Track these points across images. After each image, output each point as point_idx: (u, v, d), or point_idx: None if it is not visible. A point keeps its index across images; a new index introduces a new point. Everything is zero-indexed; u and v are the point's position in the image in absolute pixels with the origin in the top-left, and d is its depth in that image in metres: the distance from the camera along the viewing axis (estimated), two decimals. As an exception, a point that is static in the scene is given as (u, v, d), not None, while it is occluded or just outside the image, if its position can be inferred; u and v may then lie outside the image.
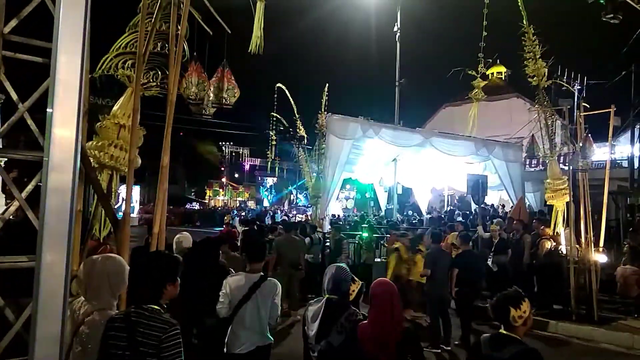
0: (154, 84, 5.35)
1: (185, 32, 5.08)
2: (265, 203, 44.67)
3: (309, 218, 19.14)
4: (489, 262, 11.16)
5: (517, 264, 10.83)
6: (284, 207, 38.46)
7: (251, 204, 46.00)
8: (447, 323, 8.26)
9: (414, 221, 19.86)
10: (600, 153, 17.82)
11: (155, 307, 2.79)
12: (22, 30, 3.15)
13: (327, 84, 16.95)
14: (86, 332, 2.88)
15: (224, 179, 54.43)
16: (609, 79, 20.05)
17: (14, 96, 3.31)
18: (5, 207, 3.51)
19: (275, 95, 22.69)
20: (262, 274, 4.49)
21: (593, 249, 9.99)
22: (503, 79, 35.54)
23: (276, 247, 9.79)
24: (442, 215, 19.73)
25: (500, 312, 3.12)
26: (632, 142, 19.12)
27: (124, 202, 4.62)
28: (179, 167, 51.17)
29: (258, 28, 5.63)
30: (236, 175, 57.80)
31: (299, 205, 36.79)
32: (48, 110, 2.33)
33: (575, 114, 11.54)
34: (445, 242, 10.63)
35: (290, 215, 27.34)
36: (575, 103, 13.29)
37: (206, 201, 50.25)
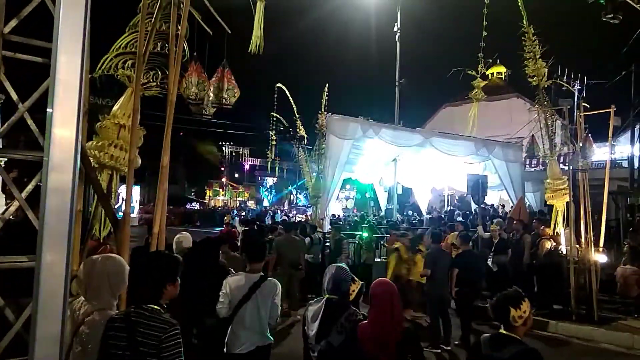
0: (154, 84, 5.35)
1: (185, 32, 5.08)
2: (265, 203, 44.67)
3: (309, 218, 19.14)
4: (489, 262, 11.16)
5: (517, 264, 10.83)
6: (284, 207, 38.46)
7: (251, 204, 46.01)
8: (447, 323, 8.26)
9: (414, 221, 19.85)
10: (600, 153, 17.82)
11: (156, 307, 2.79)
12: (22, 30, 3.15)
13: (327, 84, 16.97)
14: (86, 332, 2.88)
15: (224, 179, 54.43)
16: (609, 79, 20.07)
17: (14, 96, 3.31)
18: (5, 207, 3.50)
19: (275, 95, 22.69)
20: (262, 274, 4.49)
21: (593, 249, 9.99)
22: (503, 79, 35.54)
23: (276, 247, 9.79)
24: (442, 215, 19.74)
25: (500, 312, 3.12)
26: (632, 142, 19.13)
27: (124, 202, 4.62)
28: (179, 167, 51.16)
29: (258, 28, 5.63)
30: (236, 175, 57.80)
31: (299, 205, 36.80)
32: (48, 110, 2.33)
33: (575, 114, 11.54)
34: (446, 242, 10.63)
35: (290, 215, 27.33)
36: (575, 103, 13.29)
37: (206, 201, 50.24)
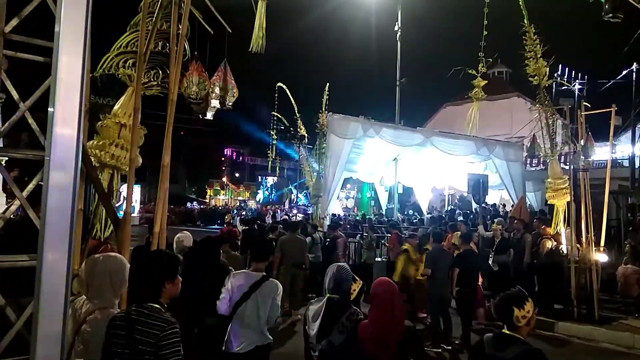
0: (155, 83, 5.35)
1: (186, 31, 5.08)
2: (258, 197, 44.58)
3: (310, 217, 19.15)
4: (490, 262, 11.16)
5: (517, 263, 10.83)
6: (284, 206, 38.46)
7: (252, 204, 46.02)
8: (448, 322, 8.27)
9: (414, 220, 19.87)
10: (601, 152, 17.80)
11: (156, 305, 2.79)
12: (23, 30, 3.15)
13: (328, 84, 16.98)
14: (88, 330, 2.89)
15: (224, 179, 54.45)
16: (610, 79, 20.05)
17: (15, 95, 3.31)
18: (6, 207, 3.51)
19: (276, 95, 22.72)
20: (264, 273, 4.49)
21: (594, 248, 9.99)
22: (504, 78, 35.55)
23: (280, 247, 9.77)
24: (443, 215, 19.74)
25: (504, 312, 3.10)
26: (633, 141, 19.11)
27: (125, 201, 4.62)
28: (180, 167, 51.18)
29: (259, 27, 5.63)
30: (237, 175, 57.85)
31: (300, 205, 36.79)
32: (49, 109, 2.32)
33: (576, 113, 11.53)
34: (448, 242, 10.63)
35: (291, 214, 27.34)
36: (576, 102, 13.28)
37: (207, 200, 50.27)
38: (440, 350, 7.95)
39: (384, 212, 21.48)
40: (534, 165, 22.83)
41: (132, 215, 5.64)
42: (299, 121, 20.21)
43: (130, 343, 2.66)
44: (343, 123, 14.84)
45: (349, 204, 31.10)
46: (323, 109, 15.78)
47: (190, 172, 56.13)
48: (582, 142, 11.16)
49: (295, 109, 20.31)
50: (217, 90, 6.25)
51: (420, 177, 20.55)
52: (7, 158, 4.77)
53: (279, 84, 21.67)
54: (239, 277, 4.46)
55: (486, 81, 12.60)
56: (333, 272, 3.77)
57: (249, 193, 51.29)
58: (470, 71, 12.42)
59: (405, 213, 22.73)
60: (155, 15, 4.98)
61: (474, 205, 19.80)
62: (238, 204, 44.93)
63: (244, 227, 14.54)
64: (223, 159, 58.18)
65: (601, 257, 10.31)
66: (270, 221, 19.45)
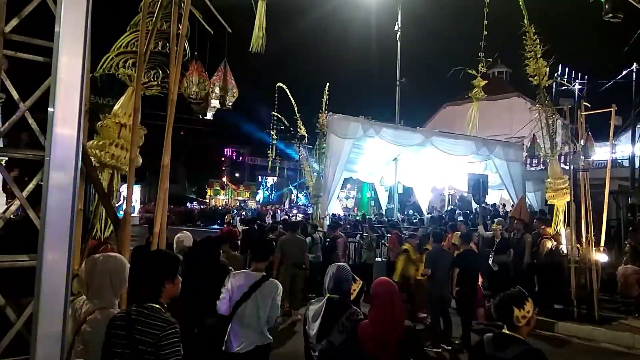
0: (155, 83, 5.35)
1: (186, 31, 5.08)
2: (258, 197, 44.50)
3: (310, 217, 19.15)
4: (490, 262, 11.16)
5: (517, 263, 10.83)
6: (284, 206, 38.46)
7: (252, 204, 46.03)
8: (448, 322, 8.27)
9: (414, 220, 19.87)
10: (601, 152, 17.80)
11: (156, 305, 2.79)
12: (23, 30, 3.15)
13: (328, 84, 16.98)
14: (88, 330, 2.89)
15: (224, 179, 54.45)
16: (610, 79, 20.04)
17: (15, 95, 3.31)
18: (6, 207, 3.51)
19: (276, 95, 22.72)
20: (264, 273, 4.49)
21: (594, 248, 9.99)
22: (504, 78, 35.55)
23: (280, 247, 9.77)
24: (443, 215, 19.74)
25: (504, 312, 3.10)
26: (633, 141, 19.11)
27: (125, 201, 4.62)
28: (180, 167, 51.18)
29: (259, 27, 5.63)
30: (237, 175, 57.84)
31: (300, 205, 36.79)
32: (49, 109, 2.32)
33: (576, 113, 11.53)
34: (448, 242, 10.62)
35: (291, 214, 27.34)
36: (576, 102, 13.28)
37: (207, 200, 50.27)
38: (440, 350, 7.95)
39: (384, 212, 21.49)
40: (534, 165, 22.84)
41: (132, 215, 5.64)
42: (299, 121, 20.22)
43: (130, 343, 2.66)
44: (343, 123, 14.84)
45: (349, 204, 31.11)
46: (323, 109, 15.78)
47: (190, 172, 56.14)
48: (582, 142, 11.15)
49: (295, 109, 20.32)
50: (217, 90, 6.25)
51: (420, 177, 20.55)
52: (7, 158, 4.77)
53: (279, 84, 21.69)
54: (239, 277, 4.46)
55: (486, 81, 12.59)
56: (333, 272, 3.77)
57: (249, 193, 51.28)
58: (470, 71, 12.42)
59: (405, 213, 22.73)
60: (155, 15, 4.98)
61: (474, 205, 19.81)
62: (238, 204, 44.94)
63: (244, 227, 14.54)
64: (223, 159, 58.17)
65: (601, 257, 10.31)
66: (270, 221, 19.45)
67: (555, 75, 11.62)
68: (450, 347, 8.03)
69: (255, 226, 13.52)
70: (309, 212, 21.91)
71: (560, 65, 11.80)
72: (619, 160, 23.10)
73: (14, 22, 3.16)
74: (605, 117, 11.49)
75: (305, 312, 3.85)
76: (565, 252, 10.40)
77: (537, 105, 11.45)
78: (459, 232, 10.46)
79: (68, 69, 2.34)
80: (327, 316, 3.59)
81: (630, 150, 19.79)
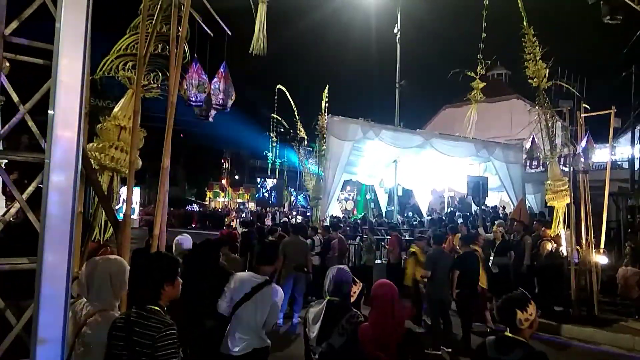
0: (155, 85, 5.36)
1: (186, 34, 5.09)
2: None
3: (309, 220, 19.13)
4: (490, 264, 11.14)
5: (517, 265, 10.82)
6: (284, 208, 38.42)
7: (251, 206, 45.96)
8: (448, 324, 8.26)
9: (414, 222, 19.86)
10: (600, 154, 17.79)
11: (155, 307, 2.79)
12: (23, 32, 3.14)
13: (328, 86, 16.99)
14: (88, 333, 2.88)
15: (224, 181, 54.41)
16: (609, 80, 20.04)
17: (15, 98, 3.30)
18: (6, 209, 3.50)
19: (276, 97, 22.74)
20: (267, 278, 4.48)
21: (594, 250, 9.98)
22: (503, 80, 35.57)
23: (282, 249, 9.72)
24: (443, 217, 19.74)
25: (506, 315, 3.08)
26: (632, 143, 19.08)
27: (125, 203, 4.62)
28: (180, 169, 51.16)
29: (260, 29, 5.63)
30: (236, 177, 57.81)
31: (299, 207, 36.72)
32: (49, 111, 2.33)
33: (575, 115, 11.53)
34: (449, 244, 10.60)
35: (291, 216, 27.32)
36: (576, 104, 13.28)
37: (206, 203, 50.23)
38: (440, 352, 7.94)
39: (383, 214, 21.49)
40: (533, 167, 22.83)
41: (132, 217, 5.64)
42: (298, 123, 20.23)
43: (128, 344, 2.67)
44: (342, 125, 14.84)
45: (348, 206, 31.07)
46: (323, 111, 15.78)
47: (190, 175, 56.12)
48: (582, 143, 11.15)
49: (295, 111, 20.34)
50: (217, 92, 6.25)
51: (420, 179, 20.55)
52: (6, 161, 4.77)
53: (279, 86, 21.72)
54: (243, 278, 4.46)
55: (485, 83, 12.60)
56: (333, 274, 3.76)
57: (248, 195, 51.22)
58: (469, 73, 12.43)
59: (405, 215, 22.72)
60: (155, 18, 4.98)
61: (474, 208, 19.80)
62: (237, 206, 44.87)
63: (243, 230, 14.53)
64: (223, 161, 58.14)
65: (601, 259, 10.31)
66: (270, 223, 19.44)
67: (555, 77, 11.56)
68: (450, 350, 8.02)
69: (254, 228, 13.51)
70: (309, 214, 21.90)
71: (559, 67, 11.77)
72: (619, 162, 23.08)
73: (14, 24, 3.16)
74: (605, 119, 11.49)
75: (306, 314, 3.85)
76: (565, 254, 10.39)
77: (537, 107, 11.45)
78: (459, 234, 10.46)
79: (68, 71, 2.35)
80: (327, 318, 3.59)
81: (629, 152, 19.78)
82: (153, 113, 6.50)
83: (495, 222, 13.17)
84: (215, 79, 6.12)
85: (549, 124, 11.19)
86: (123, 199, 5.78)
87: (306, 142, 20.15)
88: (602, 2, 7.78)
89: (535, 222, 11.91)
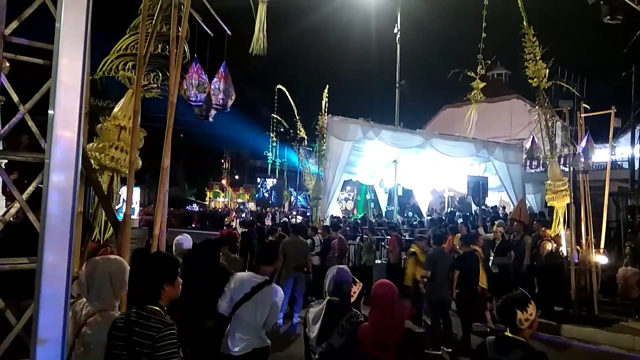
0: (155, 85, 5.36)
1: (186, 34, 5.08)
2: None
3: (309, 220, 19.13)
4: (490, 264, 11.14)
5: (517, 265, 10.82)
6: (284, 208, 38.43)
7: (251, 206, 45.95)
8: (448, 324, 8.26)
9: (414, 222, 19.86)
10: (600, 154, 17.79)
11: (155, 307, 2.79)
12: (23, 32, 3.14)
13: (328, 86, 16.99)
14: (88, 333, 2.89)
15: (224, 181, 54.40)
16: (609, 80, 20.03)
17: (15, 98, 3.30)
18: (6, 209, 3.50)
19: (276, 97, 22.74)
20: (267, 278, 4.48)
21: (594, 250, 9.98)
22: (503, 80, 35.59)
23: (282, 249, 9.71)
24: (443, 217, 19.74)
25: (506, 315, 3.08)
26: (632, 143, 19.08)
27: (125, 203, 4.62)
28: (179, 169, 51.16)
29: (260, 29, 5.63)
30: (236, 177, 57.81)
31: (299, 207, 36.72)
32: (49, 111, 2.33)
33: (575, 115, 11.53)
34: (449, 244, 10.60)
35: (291, 216, 27.31)
36: (576, 104, 13.28)
37: (206, 203, 50.22)
38: (440, 352, 7.94)
39: (383, 214, 21.49)
40: (533, 167, 22.85)
41: (132, 217, 5.64)
42: (298, 123, 20.24)
43: (128, 344, 2.67)
44: (342, 125, 14.84)
45: (348, 206, 31.07)
46: (323, 111, 15.79)
47: (190, 175, 56.13)
48: (582, 143, 11.15)
49: (295, 111, 20.35)
50: (217, 92, 6.26)
51: (420, 179, 20.55)
52: (6, 161, 4.77)
53: (279, 86, 21.73)
54: (243, 278, 4.46)
55: (484, 83, 12.60)
56: (333, 274, 3.77)
57: (248, 195, 51.21)
58: (469, 73, 12.43)
59: (405, 215, 22.73)
60: (155, 18, 4.98)
61: (474, 207, 19.80)
62: (237, 206, 44.87)
63: (243, 230, 14.52)
64: (223, 161, 58.14)
65: (601, 259, 10.31)
66: (270, 223, 19.44)
67: (555, 77, 11.56)
68: (450, 350, 8.02)
69: (254, 228, 13.51)
70: (309, 214, 21.91)
71: (559, 67, 11.77)
72: (619, 162, 23.08)
73: (14, 24, 3.16)
74: (605, 119, 11.49)
75: (306, 314, 3.85)
76: (565, 254, 10.39)
77: (537, 107, 11.45)
78: (459, 234, 10.45)
79: (68, 71, 2.35)
80: (327, 319, 3.59)
81: (629, 152, 19.78)
82: (153, 113, 6.51)
83: (495, 222, 13.18)
84: (215, 79, 6.12)
85: (549, 124, 11.19)
86: (123, 199, 5.79)
87: (306, 142, 20.15)
88: (602, 2, 7.78)
89: (535, 222, 11.92)
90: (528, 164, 20.64)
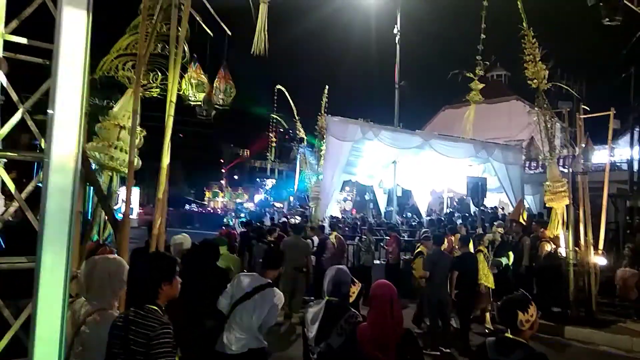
0: (154, 85, 5.36)
1: (186, 34, 5.08)
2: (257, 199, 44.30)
3: (308, 220, 19.11)
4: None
5: (516, 266, 10.83)
6: (282, 208, 38.42)
7: (250, 206, 45.94)
8: (447, 325, 8.26)
9: (413, 223, 19.86)
10: (599, 156, 17.80)
11: (153, 307, 2.78)
12: (23, 31, 3.14)
13: (327, 86, 16.99)
14: (87, 332, 2.89)
15: (223, 181, 54.40)
16: (609, 81, 20.04)
17: (14, 97, 3.30)
18: (5, 209, 3.50)
19: (275, 97, 22.74)
20: (269, 281, 4.49)
21: (592, 251, 9.99)
22: (503, 81, 35.62)
23: (282, 250, 9.69)
24: (442, 218, 19.74)
25: (507, 316, 3.07)
26: (631, 144, 19.11)
27: (124, 203, 4.62)
28: (179, 169, 51.14)
29: (261, 29, 5.63)
30: (235, 177, 57.83)
31: (298, 207, 36.71)
32: (49, 111, 2.33)
33: (574, 116, 11.54)
34: (448, 244, 10.60)
35: (289, 217, 27.30)
36: (575, 105, 13.29)
37: (205, 203, 50.21)
38: (439, 353, 7.94)
39: (382, 215, 21.49)
40: (532, 168, 22.86)
41: (131, 217, 5.63)
42: (298, 123, 20.24)
43: (125, 343, 2.67)
44: (342, 125, 14.83)
45: (346, 206, 31.07)
46: (322, 112, 15.79)
47: (189, 175, 56.15)
48: (582, 144, 11.16)
49: (295, 111, 20.34)
50: (217, 92, 6.27)
51: (419, 179, 20.55)
52: (5, 160, 4.77)
53: (278, 86, 21.73)
54: (246, 278, 4.47)
55: (483, 84, 12.62)
56: (332, 274, 3.77)
57: (247, 195, 51.21)
58: (468, 74, 12.45)
59: (404, 216, 22.73)
60: (154, 18, 4.98)
61: (473, 208, 19.80)
62: (235, 206, 44.86)
63: (241, 230, 14.51)
64: (222, 161, 58.18)
65: (600, 260, 10.32)
66: (269, 223, 19.43)
67: (555, 77, 11.58)
68: (448, 350, 8.03)
69: (252, 229, 13.49)
70: (307, 214, 21.90)
71: (559, 69, 11.78)
72: (618, 164, 23.08)
73: (14, 24, 3.16)
74: (604, 120, 11.50)
75: (304, 314, 3.85)
76: (563, 255, 10.40)
77: (536, 109, 11.45)
78: (459, 235, 10.46)
79: (68, 71, 2.35)
80: (325, 319, 3.60)
81: (628, 153, 19.80)
82: (153, 112, 6.51)
83: (495, 223, 13.19)
84: (216, 80, 6.14)
85: (548, 125, 11.19)
86: (122, 199, 5.79)
87: (305, 142, 20.15)
88: (601, 4, 7.78)
89: (533, 223, 11.92)
90: (527, 165, 20.66)
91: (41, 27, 3.07)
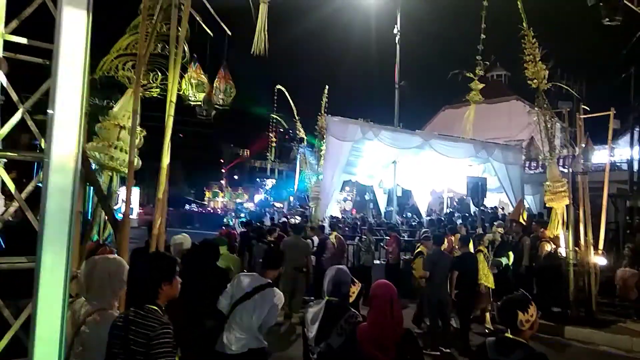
0: (154, 85, 5.36)
1: (186, 34, 5.08)
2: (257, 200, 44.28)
3: (308, 220, 19.10)
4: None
5: (516, 266, 10.83)
6: (282, 208, 38.42)
7: (250, 206, 45.95)
8: (447, 325, 8.26)
9: (413, 223, 19.87)
10: (599, 156, 17.80)
11: (153, 307, 2.78)
12: (23, 31, 3.14)
13: (327, 86, 16.99)
14: (87, 332, 2.89)
15: (223, 181, 54.40)
16: (609, 81, 20.04)
17: (14, 97, 3.30)
18: (5, 209, 3.50)
19: (275, 97, 22.74)
20: (269, 281, 4.49)
21: (592, 251, 9.99)
22: (503, 81, 35.62)
23: (282, 250, 9.67)
24: (442, 218, 19.74)
25: (507, 316, 3.07)
26: (631, 144, 19.10)
27: (124, 203, 4.62)
28: (179, 169, 51.15)
29: (261, 29, 5.63)
30: (236, 177, 57.83)
31: (298, 207, 36.70)
32: (49, 111, 2.33)
33: (574, 116, 11.54)
34: (449, 244, 10.60)
35: (289, 217, 27.29)
36: (575, 105, 13.29)
37: (205, 203, 50.20)
38: (439, 353, 7.94)
39: (382, 215, 21.49)
40: (532, 168, 22.86)
41: (131, 217, 5.63)
42: (298, 123, 20.24)
43: (124, 343, 2.67)
44: (342, 125, 14.82)
45: (346, 206, 31.07)
46: (322, 112, 15.79)
47: (189, 175, 56.16)
48: (582, 144, 11.16)
49: (295, 111, 20.35)
50: (217, 92, 6.27)
51: (419, 179, 20.55)
52: (5, 160, 4.76)
53: (278, 86, 21.74)
54: (246, 278, 4.47)
55: (483, 84, 12.61)
56: (332, 274, 3.77)
57: (247, 195, 51.21)
58: (468, 74, 12.45)
59: (404, 216, 22.73)
60: (155, 18, 4.98)
61: (473, 208, 19.81)
62: (235, 206, 44.86)
63: (241, 230, 14.50)
64: (222, 161, 58.19)
65: (600, 260, 10.32)
66: (269, 223, 19.43)
67: (555, 77, 11.58)
68: (448, 350, 8.03)
69: (252, 228, 13.49)
70: (307, 214, 21.89)
71: (559, 69, 11.77)
72: (618, 164, 23.08)
73: (14, 24, 3.16)
74: (604, 120, 11.50)
75: (304, 314, 3.85)
76: (563, 255, 10.40)
77: (536, 109, 11.45)
78: (459, 235, 10.45)
79: (68, 71, 2.35)
80: (325, 319, 3.60)
81: (628, 153, 19.80)
82: (153, 112, 6.52)
83: (495, 223, 13.19)
84: (216, 80, 6.14)
85: (548, 125, 11.19)
86: (122, 199, 5.79)
87: (305, 142, 20.16)
88: (601, 4, 7.78)
89: (533, 223, 11.92)
90: (527, 165, 20.66)
91: (41, 27, 3.07)
